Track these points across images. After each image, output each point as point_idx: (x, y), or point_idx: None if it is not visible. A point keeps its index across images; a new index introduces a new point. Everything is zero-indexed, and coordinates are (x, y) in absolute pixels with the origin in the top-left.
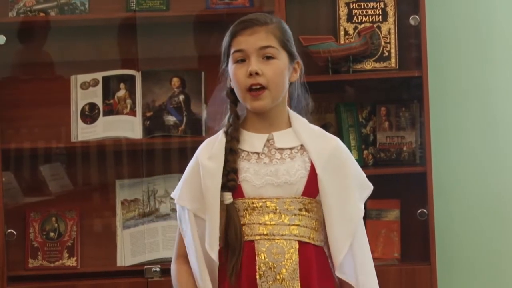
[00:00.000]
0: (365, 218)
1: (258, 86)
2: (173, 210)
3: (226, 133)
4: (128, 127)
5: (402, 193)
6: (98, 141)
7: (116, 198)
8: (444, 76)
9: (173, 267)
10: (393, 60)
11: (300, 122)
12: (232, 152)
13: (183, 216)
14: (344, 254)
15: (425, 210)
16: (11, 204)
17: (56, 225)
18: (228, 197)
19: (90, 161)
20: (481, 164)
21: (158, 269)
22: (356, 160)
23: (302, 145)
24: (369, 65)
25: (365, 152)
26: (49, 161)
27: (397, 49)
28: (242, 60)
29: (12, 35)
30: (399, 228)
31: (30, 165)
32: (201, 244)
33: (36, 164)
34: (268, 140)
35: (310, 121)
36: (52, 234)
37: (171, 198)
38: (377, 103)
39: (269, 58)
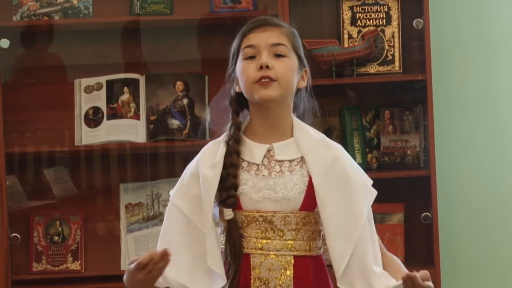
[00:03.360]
0: None
1: (267, 80)
2: None
3: (227, 143)
4: (132, 131)
5: (406, 196)
6: (102, 144)
7: (120, 202)
8: (448, 80)
9: None
10: (397, 63)
11: (302, 131)
12: (232, 167)
13: (173, 216)
14: (345, 264)
15: (429, 214)
16: (15, 208)
17: (60, 229)
18: (229, 213)
19: (94, 164)
20: (485, 168)
21: None
22: (360, 163)
23: (302, 157)
24: (373, 68)
25: (369, 155)
26: (53, 165)
27: (401, 53)
28: (252, 57)
29: (16, 39)
30: (403, 232)
31: (34, 168)
32: (188, 248)
33: (40, 168)
34: (268, 151)
35: (315, 126)
36: (56, 238)
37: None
38: (381, 106)
39: (280, 56)
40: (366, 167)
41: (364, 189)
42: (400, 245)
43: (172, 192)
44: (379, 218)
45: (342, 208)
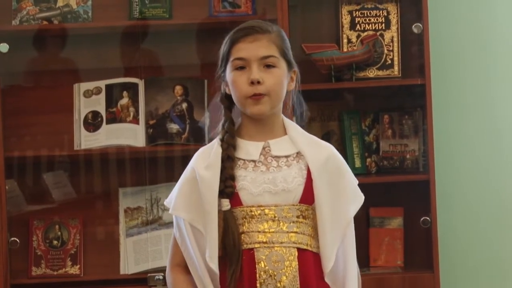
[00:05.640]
0: (368, 226)
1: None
2: None
3: (222, 140)
4: (131, 135)
5: (405, 201)
6: (101, 149)
7: (119, 206)
8: (447, 84)
9: (169, 276)
10: (396, 68)
11: (295, 129)
12: (229, 159)
13: (180, 226)
14: (332, 261)
15: (428, 218)
16: (14, 212)
17: (59, 233)
18: (226, 204)
19: (93, 169)
20: (484, 172)
21: (161, 277)
22: (359, 168)
23: (297, 153)
24: (372, 73)
25: (368, 160)
26: (52, 169)
27: (400, 57)
28: (241, 68)
29: (15, 43)
30: (402, 236)
31: (33, 173)
32: (200, 254)
33: (39, 172)
34: (264, 148)
35: (311, 130)
36: (55, 242)
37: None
38: (380, 111)
39: (269, 66)
40: (365, 171)
41: (355, 193)
42: (399, 249)
43: (167, 203)
44: (379, 223)
45: (333, 206)
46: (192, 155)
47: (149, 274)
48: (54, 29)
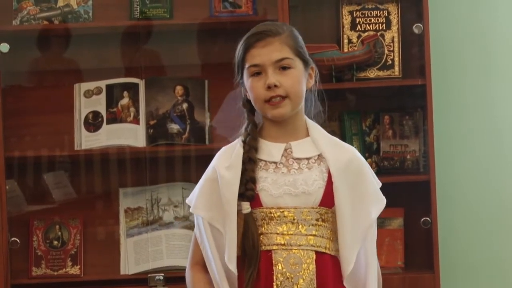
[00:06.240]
0: None
1: (278, 98)
2: (176, 218)
3: (244, 142)
4: (131, 135)
5: (406, 201)
6: (102, 149)
7: (120, 206)
8: (448, 84)
9: (188, 274)
10: (396, 68)
11: (318, 131)
12: (250, 162)
13: (199, 225)
14: (352, 264)
15: (428, 219)
16: (14, 212)
17: (59, 233)
18: (246, 207)
19: (94, 169)
20: (484, 172)
21: (161, 278)
22: None
23: (319, 155)
24: (372, 73)
25: (369, 160)
26: (52, 169)
27: (400, 58)
28: (258, 73)
29: (16, 43)
30: (403, 237)
31: (33, 173)
32: (218, 253)
33: (40, 172)
34: (285, 150)
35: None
36: (55, 242)
37: (175, 206)
38: (380, 111)
39: (285, 68)
40: None
41: (376, 195)
42: (399, 250)
43: (188, 201)
44: (379, 223)
45: (354, 209)
46: (193, 156)
47: (149, 275)
48: (55, 29)
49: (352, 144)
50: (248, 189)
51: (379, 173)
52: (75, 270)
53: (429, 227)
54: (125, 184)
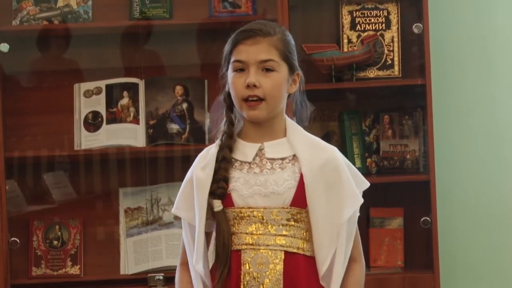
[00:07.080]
0: (368, 226)
1: (255, 98)
2: (177, 218)
3: (220, 140)
4: (131, 135)
5: (406, 201)
6: (102, 149)
7: (120, 206)
8: (448, 84)
9: (176, 273)
10: (396, 68)
11: (296, 131)
12: (224, 161)
13: (183, 225)
14: (327, 264)
15: (428, 218)
16: (14, 212)
17: (59, 233)
18: (218, 205)
19: (94, 169)
20: (484, 172)
21: (161, 277)
22: (359, 168)
23: (294, 156)
24: (372, 73)
25: (369, 160)
26: (52, 169)
27: (400, 57)
28: (241, 70)
29: (16, 43)
30: (403, 236)
31: (33, 173)
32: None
33: (40, 172)
34: (260, 150)
35: (311, 130)
36: (55, 242)
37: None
38: (380, 111)
39: (268, 70)
40: (365, 171)
41: (352, 195)
42: (399, 249)
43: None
44: (379, 223)
45: (329, 209)
46: (192, 156)
47: (149, 275)
48: (55, 29)
49: (352, 144)
50: (219, 187)
51: (379, 173)
52: (75, 270)
53: (429, 227)
54: (125, 184)
